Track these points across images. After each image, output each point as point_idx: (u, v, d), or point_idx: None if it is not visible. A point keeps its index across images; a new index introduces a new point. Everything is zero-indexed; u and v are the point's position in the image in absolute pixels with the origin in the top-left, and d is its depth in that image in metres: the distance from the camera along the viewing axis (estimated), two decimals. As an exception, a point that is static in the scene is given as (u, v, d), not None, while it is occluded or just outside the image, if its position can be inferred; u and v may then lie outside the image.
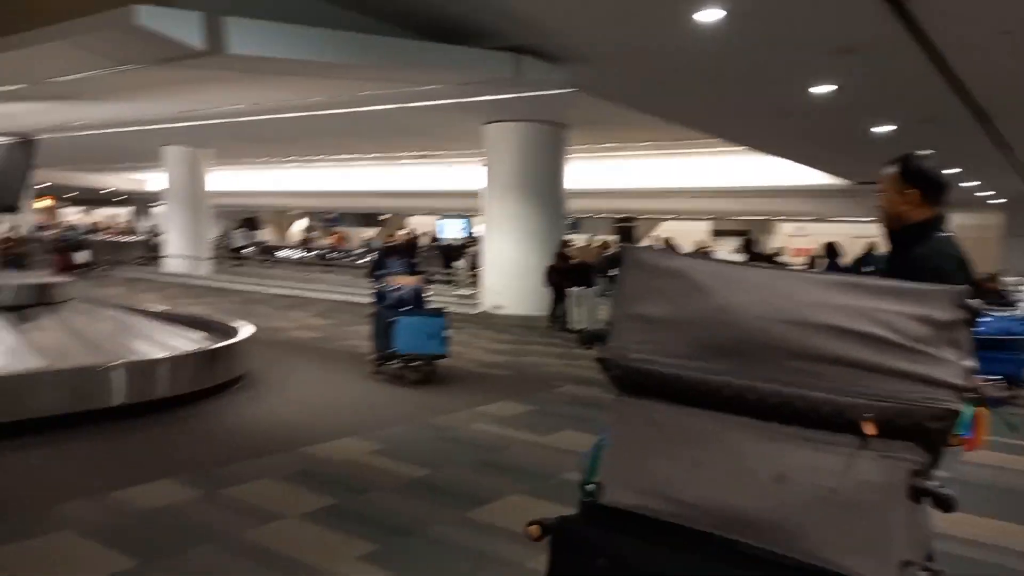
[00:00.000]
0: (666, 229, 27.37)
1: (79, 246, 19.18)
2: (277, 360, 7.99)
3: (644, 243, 18.95)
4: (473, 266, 15.94)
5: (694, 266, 1.71)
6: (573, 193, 14.58)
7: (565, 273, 11.46)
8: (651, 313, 1.69)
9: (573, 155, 14.39)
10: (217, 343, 6.90)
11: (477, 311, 13.25)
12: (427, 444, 5.17)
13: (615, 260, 19.61)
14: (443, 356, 7.17)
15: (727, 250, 21.00)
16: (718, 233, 28.08)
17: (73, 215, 45.79)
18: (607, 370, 1.73)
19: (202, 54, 4.52)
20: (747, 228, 25.97)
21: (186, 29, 4.34)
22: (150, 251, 23.67)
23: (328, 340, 9.80)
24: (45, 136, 16.99)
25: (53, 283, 6.90)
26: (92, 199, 41.48)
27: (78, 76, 5.41)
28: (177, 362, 6.04)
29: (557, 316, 11.52)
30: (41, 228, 27.59)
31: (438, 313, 7.26)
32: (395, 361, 7.12)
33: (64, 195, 39.91)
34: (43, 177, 27.91)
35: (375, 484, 4.26)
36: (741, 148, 15.66)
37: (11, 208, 6.60)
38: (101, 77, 5.55)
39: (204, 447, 4.94)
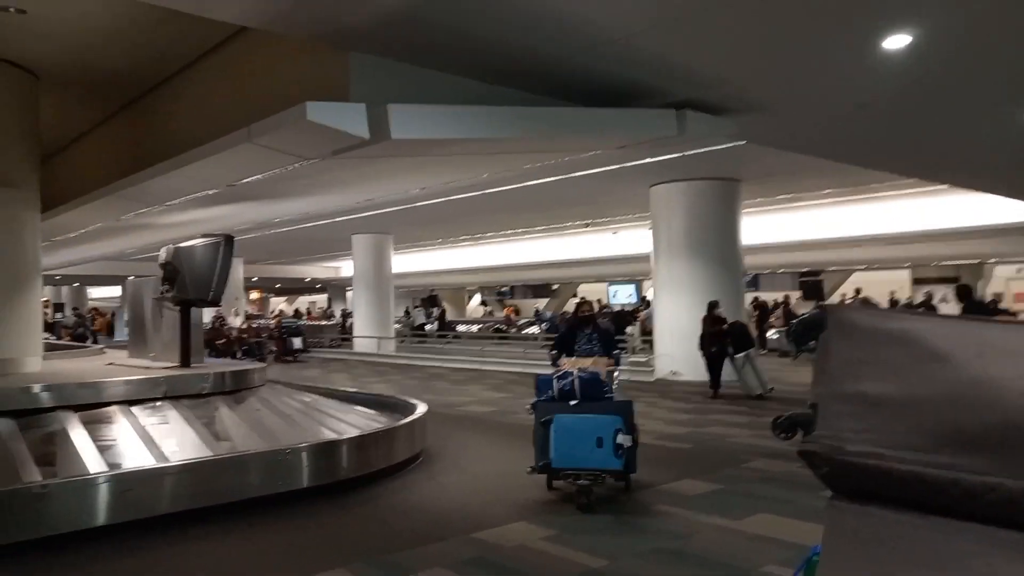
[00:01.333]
0: (858, 281, 25.17)
1: (296, 332, 21.08)
2: (453, 436, 8.00)
3: (835, 298, 17.47)
4: (645, 331, 15.43)
5: (928, 327, 1.30)
6: (750, 249, 13.81)
7: (718, 337, 10.55)
8: (873, 392, 1.30)
9: (748, 209, 13.69)
10: (396, 422, 7.01)
11: (653, 379, 12.70)
12: (604, 528, 4.78)
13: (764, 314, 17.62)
14: (620, 472, 5.28)
15: (935, 300, 18.82)
16: (919, 281, 25.40)
17: (279, 304, 50.64)
18: (814, 467, 1.35)
19: (368, 143, 4.71)
20: (955, 275, 23.27)
21: (352, 120, 4.55)
22: (343, 333, 25.41)
23: (502, 414, 9.72)
24: (251, 235, 19.01)
25: (247, 369, 7.39)
26: (294, 288, 45.67)
27: (264, 175, 5.86)
28: (358, 442, 6.14)
29: (716, 384, 10.68)
30: (251, 317, 30.63)
31: (615, 409, 5.31)
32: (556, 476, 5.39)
33: (272, 286, 44.35)
34: (251, 271, 31.19)
35: (551, 575, 3.95)
36: (942, 187, 14.13)
37: (214, 302, 7.19)
38: (284, 174, 5.97)
39: (379, 531, 4.89)
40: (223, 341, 18.18)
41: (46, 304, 36.20)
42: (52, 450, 5.28)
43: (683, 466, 6.45)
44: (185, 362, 7.13)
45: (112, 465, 5.05)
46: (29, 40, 6.08)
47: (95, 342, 17.84)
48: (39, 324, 7.34)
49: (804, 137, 8.61)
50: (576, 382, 5.51)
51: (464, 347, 18.78)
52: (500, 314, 35.03)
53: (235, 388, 6.94)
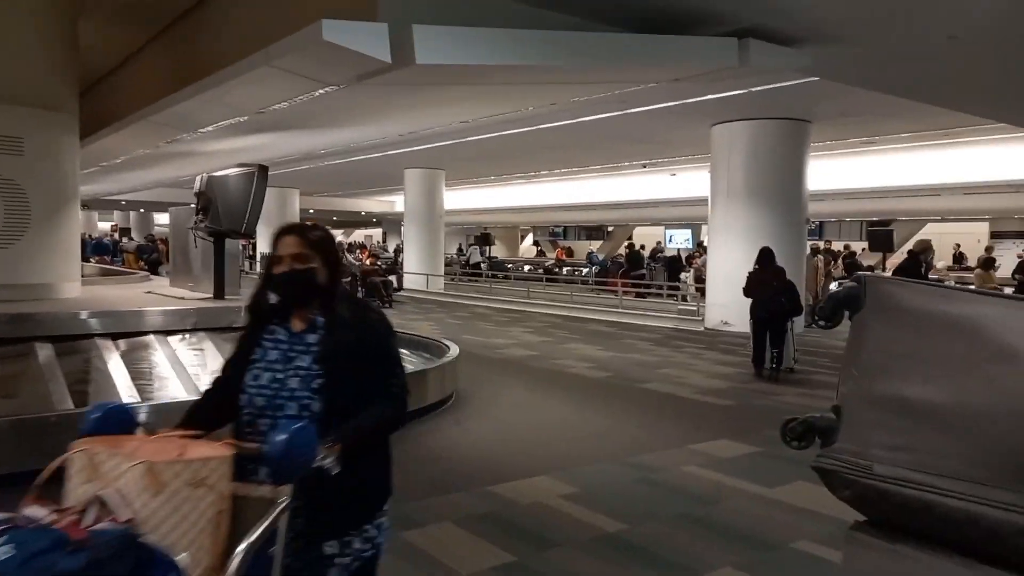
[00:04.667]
0: (930, 232, 23.84)
1: (391, 270, 20.43)
2: (487, 380, 7.83)
3: (904, 251, 16.45)
4: (699, 279, 14.91)
5: (1000, 314, 0.94)
6: (815, 195, 13.03)
7: (772, 295, 8.04)
8: (917, 397, 0.95)
9: (815, 152, 12.85)
10: (427, 363, 6.85)
11: (702, 328, 12.26)
12: (628, 489, 4.53)
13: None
14: None
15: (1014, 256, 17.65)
16: (996, 235, 23.90)
17: (336, 237, 51.20)
18: (832, 488, 1.02)
19: (391, 67, 4.36)
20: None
21: (372, 41, 4.20)
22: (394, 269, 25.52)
23: (541, 359, 9.49)
24: (303, 166, 18.95)
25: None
26: (350, 221, 46.06)
27: (290, 103, 5.59)
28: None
29: (761, 356, 8.29)
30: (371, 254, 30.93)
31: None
32: None
33: (328, 219, 44.83)
34: (307, 203, 31.43)
35: (563, 538, 3.72)
36: (1032, 133, 12.95)
37: (247, 234, 7.06)
38: (314, 102, 5.69)
39: (398, 478, 4.74)
40: (347, 279, 17.75)
41: (114, 229, 37.42)
42: (84, 376, 5.28)
43: (720, 425, 6.12)
44: (219, 294, 7.06)
45: (141, 395, 5.03)
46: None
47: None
48: (77, 249, 7.35)
49: (885, 73, 7.83)
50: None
51: (511, 287, 18.56)
52: (551, 255, 34.69)
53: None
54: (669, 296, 16.76)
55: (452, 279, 22.85)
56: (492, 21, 4.91)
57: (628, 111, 10.81)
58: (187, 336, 6.18)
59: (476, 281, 22.97)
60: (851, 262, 17.21)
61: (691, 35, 5.90)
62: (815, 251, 15.38)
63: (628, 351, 10.22)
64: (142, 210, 39.18)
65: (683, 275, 18.86)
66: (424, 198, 20.87)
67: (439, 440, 5.59)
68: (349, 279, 15.26)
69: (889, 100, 9.37)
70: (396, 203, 32.15)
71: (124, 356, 5.61)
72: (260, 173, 6.88)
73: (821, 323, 1.07)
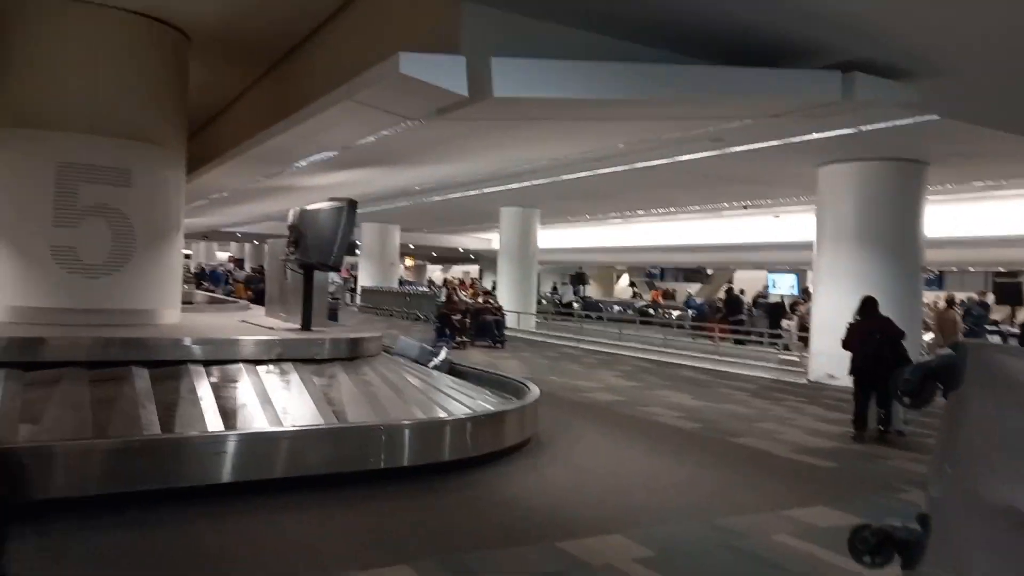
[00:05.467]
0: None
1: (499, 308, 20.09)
2: (569, 424, 7.55)
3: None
4: (804, 327, 14.10)
5: None
6: (934, 242, 12.12)
7: (876, 349, 7.40)
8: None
9: (935, 196, 11.99)
10: (507, 405, 6.66)
11: (805, 380, 11.52)
12: (710, 555, 4.14)
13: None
14: None
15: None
16: None
17: (434, 272, 52.41)
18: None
19: (468, 101, 4.29)
20: None
21: (450, 74, 4.15)
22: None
23: (627, 405, 9.11)
24: (403, 203, 19.38)
25: (364, 337, 7.31)
26: (448, 257, 46.94)
27: (376, 137, 5.64)
28: (464, 424, 5.85)
29: (863, 416, 7.58)
30: (403, 283, 31.70)
31: None
32: None
33: (427, 255, 45.88)
34: (407, 238, 32.24)
35: (632, 607, 3.40)
36: None
37: (334, 267, 7.15)
38: (399, 137, 5.71)
39: (465, 523, 4.54)
40: (459, 317, 15.47)
41: (230, 259, 39.60)
42: (172, 401, 5.38)
43: (818, 489, 5.59)
44: (306, 325, 7.16)
45: (225, 423, 5.08)
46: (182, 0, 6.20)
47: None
48: (178, 278, 7.67)
49: (1005, 110, 7.18)
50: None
51: (602, 328, 18.19)
52: (647, 297, 34.01)
53: (351, 356, 6.88)
54: (770, 344, 15.95)
55: (544, 318, 22.69)
56: (575, 54, 4.78)
57: (727, 150, 10.44)
58: (272, 366, 6.25)
59: (568, 320, 22.71)
60: (978, 315, 15.81)
61: (790, 68, 5.58)
62: (950, 303, 14.28)
63: (722, 401, 9.68)
64: (255, 241, 41.36)
65: (785, 322, 17.95)
66: (518, 236, 20.93)
67: (513, 485, 5.36)
68: (460, 316, 15.14)
69: (1013, 139, 8.60)
70: (492, 240, 32.49)
71: (212, 383, 5.71)
72: (349, 207, 6.97)
73: (905, 400, 0.81)
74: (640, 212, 21.50)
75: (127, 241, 6.71)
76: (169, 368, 5.76)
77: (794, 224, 18.35)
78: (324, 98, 5.10)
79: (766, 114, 6.12)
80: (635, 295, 37.04)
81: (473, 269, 47.87)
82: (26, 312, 6.46)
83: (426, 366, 7.85)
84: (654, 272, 36.67)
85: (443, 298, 16.59)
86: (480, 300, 17.05)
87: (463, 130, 5.88)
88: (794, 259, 22.29)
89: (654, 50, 5.20)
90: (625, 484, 5.63)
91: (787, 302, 20.36)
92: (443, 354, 8.30)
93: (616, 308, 28.35)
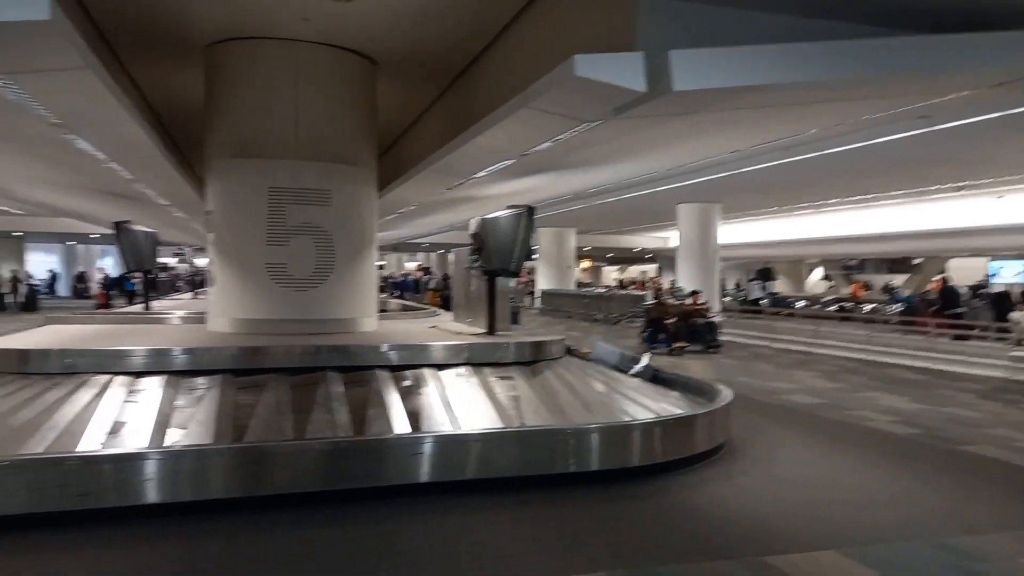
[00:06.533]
0: None
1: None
2: (764, 430, 7.11)
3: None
4: (1038, 320, 12.33)
5: None
6: None
7: None
8: None
9: None
10: (697, 408, 6.39)
11: (1043, 381, 10.06)
12: (944, 580, 3.68)
13: None
14: None
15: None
16: None
17: (611, 273, 52.15)
18: None
19: (647, 98, 4.14)
20: None
21: (627, 72, 4.03)
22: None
23: (832, 408, 8.43)
24: (577, 205, 19.44)
25: (547, 340, 7.35)
26: (625, 258, 46.52)
27: (553, 142, 5.63)
28: (652, 428, 5.69)
29: None
30: (580, 286, 31.75)
31: None
32: None
33: (603, 256, 45.79)
34: (583, 240, 32.34)
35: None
36: None
37: (515, 272, 7.28)
38: (575, 140, 5.67)
39: (656, 532, 4.39)
40: (672, 320, 14.41)
41: (419, 268, 41.92)
42: (366, 404, 5.72)
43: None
44: (490, 330, 7.35)
45: (413, 426, 5.32)
46: (367, 27, 6.60)
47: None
48: (374, 288, 8.17)
49: None
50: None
51: (796, 326, 17.04)
52: (846, 290, 31.50)
53: (534, 359, 6.96)
54: (997, 339, 14.12)
55: (729, 316, 21.73)
56: (759, 38, 4.47)
57: (936, 127, 9.39)
58: (461, 369, 6.47)
59: (755, 318, 21.57)
60: None
61: (1016, 30, 4.85)
62: None
63: (943, 404, 8.68)
64: (441, 251, 43.48)
65: (1014, 314, 15.82)
66: (698, 233, 20.23)
67: (705, 495, 5.11)
68: (673, 320, 14.31)
69: None
70: (670, 239, 31.74)
71: (405, 387, 6.01)
72: (527, 214, 7.08)
73: None
74: (833, 201, 19.97)
75: (329, 256, 7.25)
76: (366, 372, 6.15)
77: (1020, 204, 16.17)
78: (500, 108, 5.18)
79: (987, 84, 5.38)
80: (830, 288, 34.47)
81: (650, 268, 47.07)
82: (247, 324, 7.17)
83: (626, 373, 7.64)
84: (852, 264, 33.92)
85: (650, 300, 15.42)
86: (689, 302, 15.69)
87: (640, 128, 5.71)
88: (1020, 243, 19.66)
89: (850, 25, 4.73)
90: (832, 496, 5.18)
91: (1017, 291, 17.96)
92: (646, 360, 7.96)
93: (804, 303, 26.42)
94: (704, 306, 15.63)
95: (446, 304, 17.81)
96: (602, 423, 5.65)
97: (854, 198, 19.12)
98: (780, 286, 32.90)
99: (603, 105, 4.52)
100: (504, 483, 4.97)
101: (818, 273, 38.50)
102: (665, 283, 23.86)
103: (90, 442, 4.65)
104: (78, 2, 5.52)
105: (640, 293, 28.87)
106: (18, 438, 4.57)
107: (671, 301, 15.42)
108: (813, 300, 27.49)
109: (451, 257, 9.34)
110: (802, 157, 11.89)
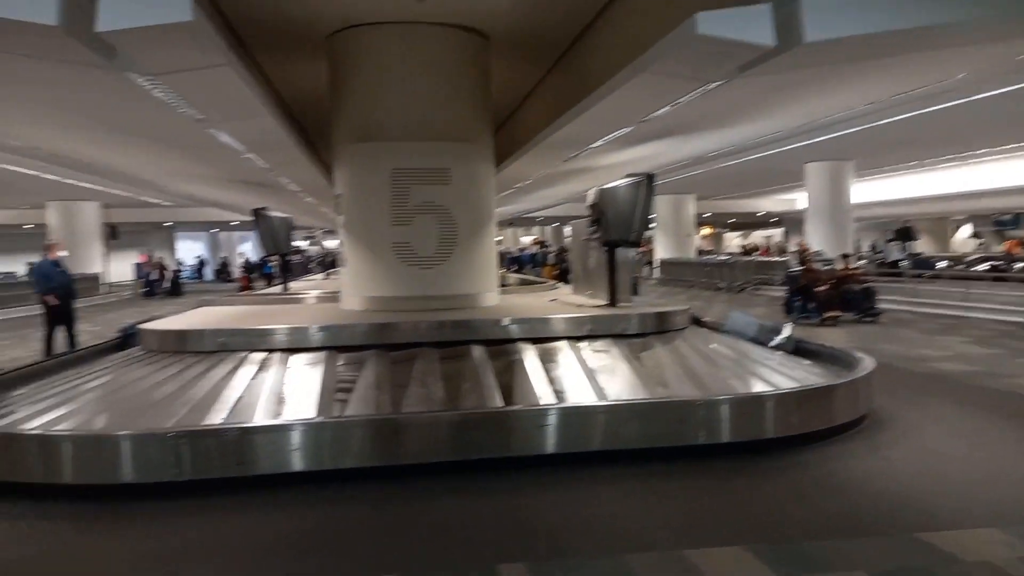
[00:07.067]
0: None
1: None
2: (911, 399, 6.68)
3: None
4: None
5: None
6: None
7: None
8: None
9: None
10: (836, 378, 6.08)
11: None
12: None
13: None
14: None
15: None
16: None
17: (733, 239, 50.38)
18: None
19: (775, 52, 3.90)
20: None
21: (753, 26, 3.80)
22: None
23: (988, 376, 7.79)
24: (697, 170, 18.84)
25: (671, 310, 7.20)
26: (747, 223, 44.77)
27: (672, 107, 5.45)
28: (789, 398, 5.47)
29: None
30: (701, 253, 30.77)
31: None
32: None
33: (724, 222, 44.26)
34: (703, 207, 31.37)
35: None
36: None
37: (635, 242, 7.15)
38: (700, 101, 5.46)
39: (796, 508, 4.22)
40: (823, 288, 13.19)
41: (535, 242, 42.16)
42: (497, 377, 5.82)
43: None
44: (612, 301, 7.28)
45: (556, 397, 5.39)
46: (480, 1, 6.62)
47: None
48: (494, 263, 8.26)
49: None
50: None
51: (943, 288, 15.80)
52: (998, 248, 28.89)
53: (658, 329, 6.84)
54: None
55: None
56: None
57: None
58: (584, 342, 6.46)
59: (895, 282, 20.23)
60: None
61: None
62: None
63: (1121, 371, 7.84)
64: (556, 224, 43.49)
65: None
66: (828, 193, 19.18)
67: (849, 469, 4.86)
68: (825, 287, 13.13)
69: None
70: (796, 200, 30.21)
71: (530, 359, 6.08)
72: (646, 182, 6.92)
73: None
74: (981, 151, 18.30)
75: (451, 233, 7.39)
76: (494, 346, 6.26)
77: None
78: (617, 75, 5.05)
79: None
80: (979, 247, 31.72)
81: (775, 232, 45.06)
82: (377, 301, 7.46)
83: (765, 346, 7.29)
84: (1005, 219, 30.99)
85: (796, 265, 14.12)
86: (840, 267, 14.35)
87: (765, 85, 5.42)
88: None
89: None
90: (992, 470, 4.79)
91: None
92: (787, 331, 7.47)
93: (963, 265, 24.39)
94: (858, 271, 14.48)
95: (563, 277, 17.78)
96: (733, 394, 5.49)
97: (1008, 146, 17.44)
98: (922, 246, 30.60)
99: (727, 64, 4.32)
100: (629, 455, 4.94)
101: (965, 230, 35.51)
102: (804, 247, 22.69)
103: (252, 414, 4.99)
104: (211, 1, 5.86)
105: (766, 259, 27.72)
106: (192, 411, 4.99)
107: (818, 266, 14.24)
108: (957, 260, 25.38)
109: (568, 230, 9.29)
110: (947, 105, 10.95)
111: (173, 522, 4.09)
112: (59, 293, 9.94)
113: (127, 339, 7.73)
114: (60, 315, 9.96)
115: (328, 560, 3.59)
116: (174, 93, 4.85)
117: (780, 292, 16.19)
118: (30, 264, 19.44)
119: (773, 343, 7.34)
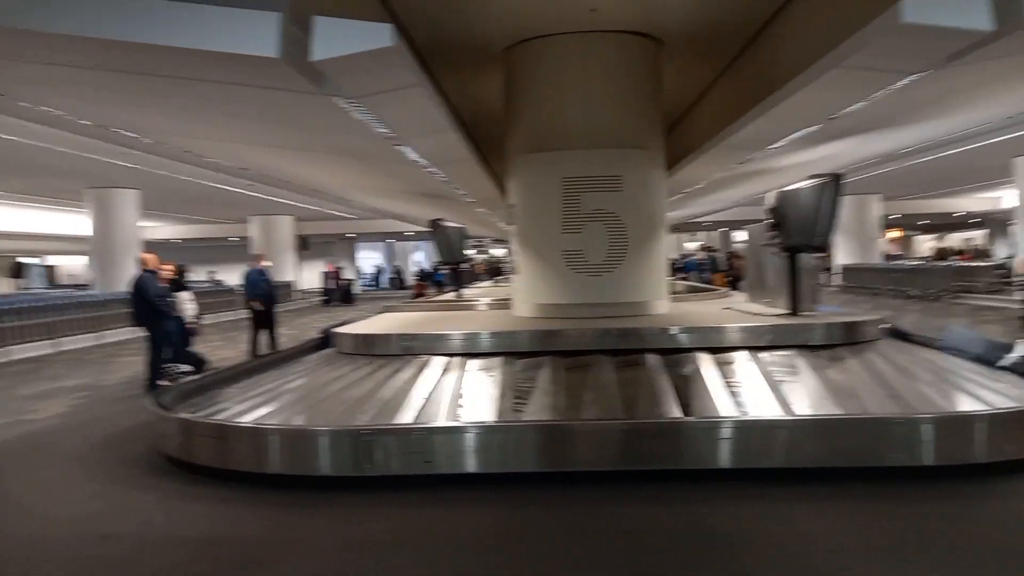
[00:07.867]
0: None
1: None
2: None
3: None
4: None
5: None
6: None
7: None
8: None
9: None
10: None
11: None
12: None
13: None
14: None
15: None
16: None
17: (925, 242, 46.07)
18: None
19: (994, 37, 3.53)
20: None
21: (969, 10, 3.46)
22: (1003, 276, 21.38)
23: None
24: (885, 168, 17.46)
25: (861, 320, 6.72)
26: (942, 224, 40.78)
27: (868, 101, 5.08)
28: (1001, 419, 4.93)
29: None
30: (889, 258, 28.39)
31: None
32: None
33: (914, 223, 40.57)
34: (891, 208, 28.99)
35: None
36: None
37: (819, 248, 6.75)
38: (897, 95, 5.07)
39: (1015, 540, 3.79)
40: None
41: (703, 248, 40.89)
42: (683, 387, 5.72)
43: None
44: (793, 310, 6.92)
45: (719, 411, 5.22)
46: (653, 7, 6.57)
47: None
48: (664, 270, 8.12)
49: None
50: None
51: None
52: None
53: (846, 341, 6.42)
54: None
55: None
56: None
57: None
58: (766, 352, 6.19)
59: None
60: None
61: None
62: None
63: None
64: (724, 229, 41.97)
65: None
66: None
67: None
68: None
69: None
70: (1002, 199, 27.15)
71: (705, 369, 5.91)
72: (832, 183, 6.51)
73: None
74: None
75: (622, 240, 7.36)
76: (668, 356, 6.15)
77: None
78: (804, 73, 4.80)
79: None
80: None
81: (977, 235, 40.70)
82: (548, 308, 7.58)
83: (992, 365, 6.46)
84: None
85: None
86: None
87: (974, 75, 4.94)
88: None
89: None
90: None
91: None
92: (1022, 349, 6.50)
93: None
94: None
95: (733, 284, 17.12)
96: (937, 412, 5.03)
97: None
98: None
99: (935, 53, 3.97)
100: (812, 473, 4.66)
101: None
102: (1000, 252, 20.32)
103: (442, 415, 5.25)
104: (399, 24, 6.27)
105: (966, 264, 25.09)
106: (387, 411, 5.34)
107: None
108: None
109: (739, 235, 8.92)
110: None
111: (367, 513, 4.39)
112: (264, 299, 11.04)
113: (326, 340, 8.42)
114: (264, 319, 11.05)
115: (517, 557, 3.69)
116: (371, 114, 5.23)
117: (999, 302, 14.45)
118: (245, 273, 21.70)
119: (1003, 363, 6.46)
